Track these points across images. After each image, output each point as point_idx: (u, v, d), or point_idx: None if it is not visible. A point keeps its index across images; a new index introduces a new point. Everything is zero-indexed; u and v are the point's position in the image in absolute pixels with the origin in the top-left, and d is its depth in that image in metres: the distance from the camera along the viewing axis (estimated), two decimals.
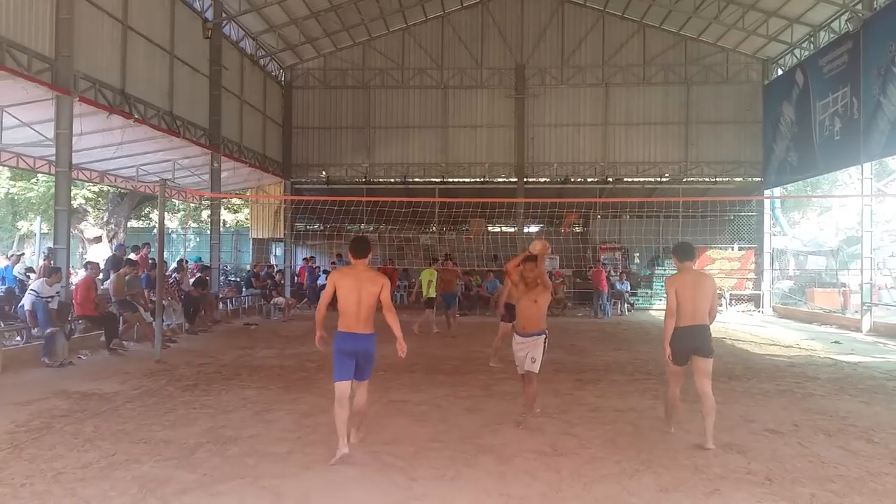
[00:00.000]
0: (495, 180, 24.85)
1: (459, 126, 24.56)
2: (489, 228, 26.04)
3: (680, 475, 5.27)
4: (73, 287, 11.94)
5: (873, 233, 18.02)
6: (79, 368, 9.92)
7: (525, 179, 24.26)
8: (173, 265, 17.72)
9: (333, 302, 5.67)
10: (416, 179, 24.93)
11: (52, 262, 12.50)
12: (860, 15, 16.69)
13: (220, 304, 17.58)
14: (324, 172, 25.08)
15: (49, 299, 10.62)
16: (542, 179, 24.83)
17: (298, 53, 23.98)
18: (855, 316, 17.61)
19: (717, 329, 16.44)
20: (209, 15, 18.10)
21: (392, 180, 25.11)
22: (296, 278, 23.53)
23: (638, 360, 11.35)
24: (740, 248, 23.54)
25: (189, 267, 16.47)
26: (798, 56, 21.15)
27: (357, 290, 5.63)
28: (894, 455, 5.87)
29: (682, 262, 6.34)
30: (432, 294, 14.93)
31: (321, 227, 25.72)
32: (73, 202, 19.64)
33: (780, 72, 22.55)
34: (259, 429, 6.56)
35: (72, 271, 14.90)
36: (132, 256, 15.82)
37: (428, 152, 24.70)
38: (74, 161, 13.33)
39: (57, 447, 5.83)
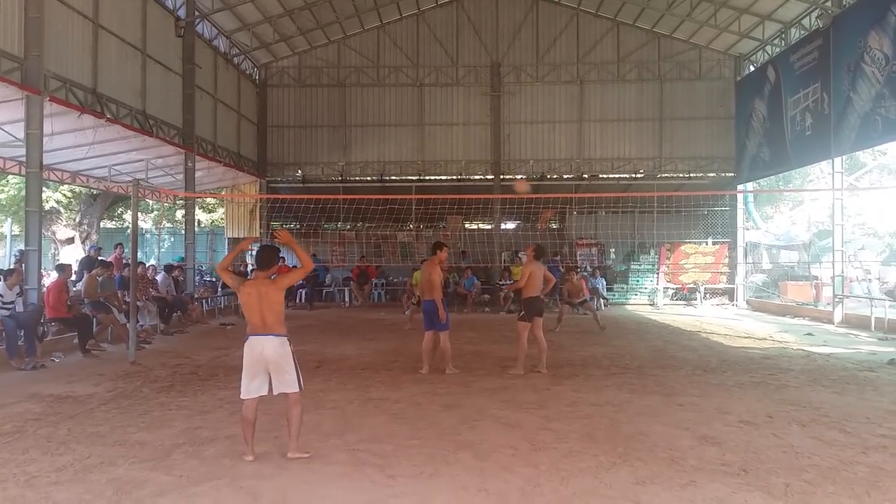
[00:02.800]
0: (472, 178, 24.86)
1: (436, 124, 24.55)
2: (466, 225, 26.05)
3: (656, 468, 5.32)
4: (45, 290, 11.78)
5: (844, 226, 18.27)
6: (52, 371, 9.79)
7: (501, 176, 24.30)
8: (149, 264, 17.53)
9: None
10: (393, 177, 24.88)
11: (22, 264, 12.31)
12: (830, 12, 16.92)
13: (196, 304, 17.42)
14: (300, 171, 24.95)
15: (9, 305, 10.39)
16: (519, 176, 24.88)
17: (273, 52, 23.83)
18: (827, 308, 17.88)
19: (692, 322, 16.72)
20: (182, 13, 17.91)
21: (368, 178, 25.04)
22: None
23: (614, 355, 11.44)
24: (714, 243, 23.76)
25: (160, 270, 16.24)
26: (769, 52, 21.40)
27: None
28: (866, 444, 5.97)
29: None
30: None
31: (298, 226, 25.57)
32: (45, 204, 19.39)
33: (751, 68, 22.79)
34: (236, 429, 6.48)
35: (44, 273, 14.70)
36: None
37: (404, 150, 24.66)
38: (45, 161, 13.16)
39: (30, 451, 5.75)
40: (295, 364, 5.57)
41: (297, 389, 5.55)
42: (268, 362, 5.49)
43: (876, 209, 29.06)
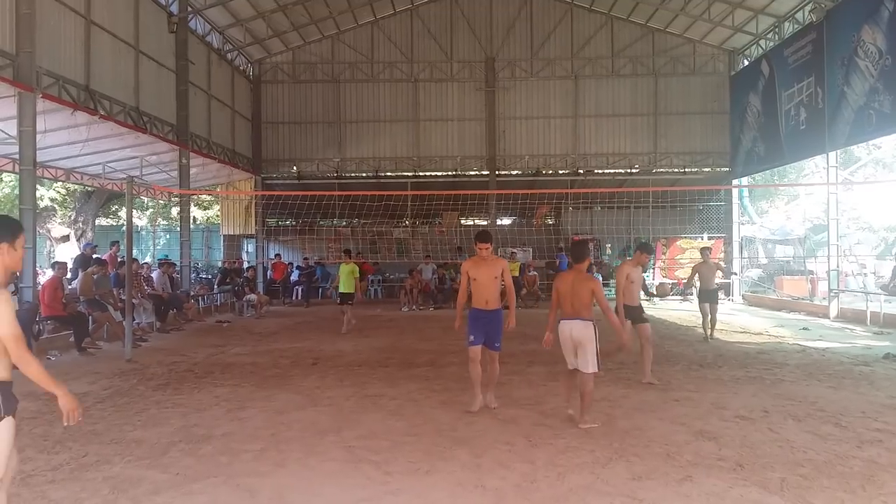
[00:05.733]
0: (467, 173, 24.85)
1: (430, 119, 24.53)
2: (462, 221, 26.04)
3: (652, 463, 5.33)
4: (40, 288, 11.75)
5: (839, 221, 18.33)
6: (48, 369, 9.74)
7: (497, 172, 24.31)
8: (144, 262, 17.50)
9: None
10: (388, 173, 24.88)
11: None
12: (823, 6, 16.93)
13: (193, 302, 17.39)
14: (295, 167, 24.92)
15: None
16: (514, 172, 24.90)
17: (266, 47, 23.77)
18: (822, 303, 17.92)
19: (688, 317, 16.73)
20: (174, 9, 17.84)
21: (364, 174, 25.03)
22: (268, 273, 23.39)
23: (610, 351, 11.42)
24: (710, 238, 23.79)
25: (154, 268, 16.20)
26: (763, 47, 21.41)
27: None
28: (861, 438, 5.99)
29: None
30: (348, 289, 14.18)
31: (293, 223, 25.56)
32: (39, 202, 19.31)
33: (746, 62, 22.81)
34: (232, 427, 6.51)
35: (39, 271, 14.65)
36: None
37: (399, 146, 24.65)
38: (39, 159, 13.08)
39: (26, 450, 5.73)
40: (595, 347, 6.52)
41: (592, 370, 6.46)
42: (575, 342, 6.59)
43: (871, 204, 29.14)
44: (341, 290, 14.28)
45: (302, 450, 5.71)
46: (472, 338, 7.17)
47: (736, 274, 22.73)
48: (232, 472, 5.19)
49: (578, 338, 6.55)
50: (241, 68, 23.46)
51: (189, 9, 18.40)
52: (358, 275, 14.53)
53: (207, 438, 6.08)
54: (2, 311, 3.41)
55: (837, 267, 17.72)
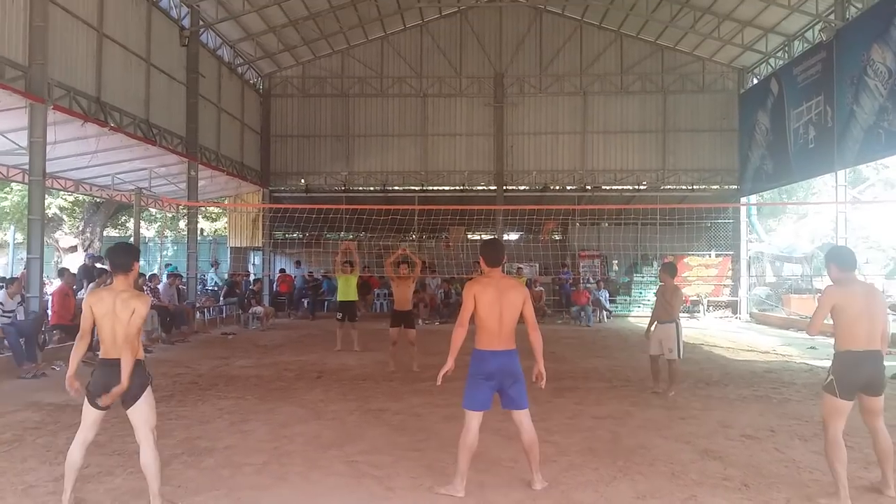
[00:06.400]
0: (475, 188, 24.88)
1: (439, 134, 24.59)
2: (469, 236, 26.03)
3: (657, 482, 5.29)
4: (50, 295, 11.79)
5: (848, 239, 18.23)
6: (52, 380, 9.76)
7: (504, 187, 24.32)
8: (148, 274, 17.53)
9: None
10: (396, 187, 24.92)
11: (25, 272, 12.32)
12: (833, 25, 16.94)
13: (197, 314, 17.43)
14: (303, 180, 24.99)
15: (10, 313, 10.39)
16: (522, 187, 24.91)
17: (277, 61, 23.91)
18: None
19: (695, 335, 16.65)
20: (186, 23, 18.00)
21: (371, 188, 25.09)
22: (275, 287, 23.41)
23: (616, 368, 11.39)
24: (717, 255, 23.75)
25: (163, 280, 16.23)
26: (773, 65, 21.42)
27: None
28: (868, 459, 5.92)
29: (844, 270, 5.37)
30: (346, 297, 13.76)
31: (300, 236, 25.59)
32: (47, 211, 19.43)
33: (755, 81, 22.81)
34: (235, 439, 6.49)
35: (47, 281, 14.71)
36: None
37: (407, 160, 24.70)
38: (49, 170, 13.18)
39: (28, 460, 5.73)
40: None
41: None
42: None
43: (879, 223, 28.99)
44: (340, 298, 13.85)
45: (304, 464, 5.69)
46: (475, 395, 5.02)
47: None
48: (234, 485, 5.17)
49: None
50: (252, 82, 23.60)
51: (201, 23, 18.56)
52: (356, 282, 14.27)
53: (210, 451, 6.07)
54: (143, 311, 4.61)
55: None
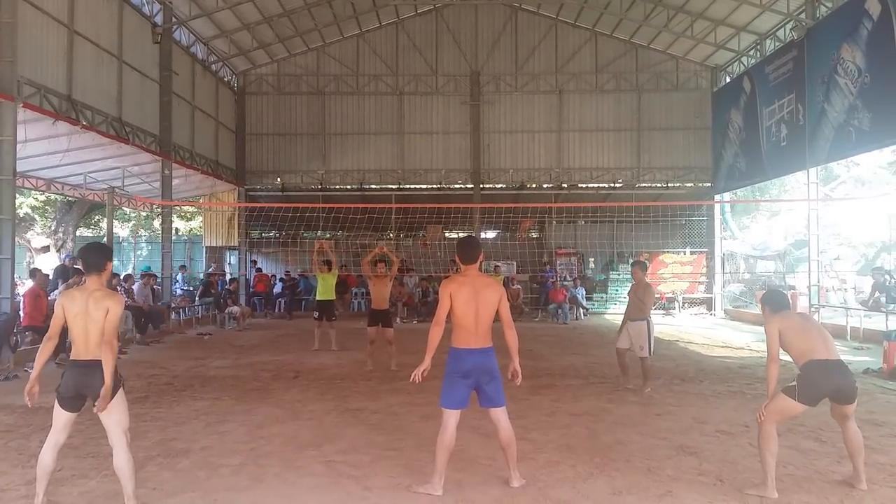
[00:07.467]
0: (452, 186, 24.88)
1: (415, 133, 24.55)
2: (446, 234, 26.03)
3: (633, 478, 5.33)
4: (21, 297, 11.61)
5: (820, 236, 18.49)
6: (24, 382, 9.49)
7: (481, 185, 24.35)
8: (123, 275, 17.34)
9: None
10: (373, 186, 24.86)
11: None
12: (804, 24, 17.16)
13: (172, 315, 17.27)
14: (279, 179, 24.83)
15: None
16: (498, 185, 24.96)
17: (251, 59, 23.72)
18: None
19: (670, 331, 16.79)
20: (159, 19, 17.79)
21: (348, 187, 25.00)
22: (251, 287, 23.24)
23: (593, 365, 11.46)
24: (692, 252, 23.96)
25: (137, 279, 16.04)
26: (745, 63, 21.64)
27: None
28: (841, 453, 5.99)
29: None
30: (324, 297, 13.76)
31: (276, 235, 25.44)
32: (18, 211, 19.09)
33: (728, 79, 23.04)
34: (211, 441, 6.44)
35: (18, 282, 14.48)
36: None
37: (384, 159, 24.63)
38: (19, 169, 12.99)
39: (0, 463, 5.65)
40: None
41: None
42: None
43: (850, 220, 29.42)
44: (318, 297, 13.88)
45: (281, 464, 5.66)
46: (452, 394, 5.04)
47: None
48: (210, 486, 5.13)
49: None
50: (226, 79, 23.40)
51: (174, 20, 18.35)
52: (334, 281, 14.22)
53: (186, 452, 6.01)
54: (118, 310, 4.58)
55: (818, 282, 17.85)
